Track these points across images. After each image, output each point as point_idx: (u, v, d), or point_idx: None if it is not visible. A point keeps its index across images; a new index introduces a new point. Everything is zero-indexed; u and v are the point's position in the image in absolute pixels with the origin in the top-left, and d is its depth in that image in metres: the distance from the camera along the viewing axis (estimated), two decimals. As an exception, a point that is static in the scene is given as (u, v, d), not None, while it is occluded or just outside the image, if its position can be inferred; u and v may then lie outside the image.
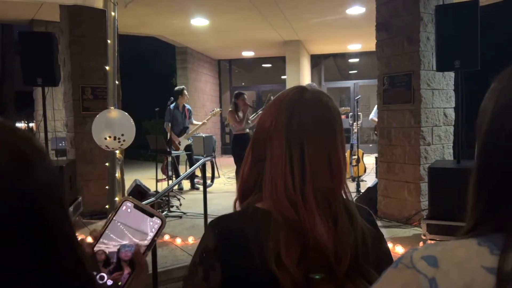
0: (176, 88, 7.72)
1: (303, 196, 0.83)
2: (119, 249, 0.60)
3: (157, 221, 0.62)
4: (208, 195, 4.38)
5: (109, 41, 2.47)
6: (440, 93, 4.97)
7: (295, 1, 7.10)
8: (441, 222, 4.04)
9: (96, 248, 0.60)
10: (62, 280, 0.49)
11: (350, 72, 14.19)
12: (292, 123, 0.88)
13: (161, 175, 7.24)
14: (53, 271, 0.48)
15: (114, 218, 0.62)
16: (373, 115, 7.37)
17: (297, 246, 0.80)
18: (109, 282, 0.59)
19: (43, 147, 0.53)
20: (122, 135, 2.31)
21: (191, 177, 7.51)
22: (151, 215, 0.62)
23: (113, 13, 2.47)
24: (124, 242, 0.60)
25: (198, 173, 7.61)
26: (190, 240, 4.52)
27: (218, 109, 8.16)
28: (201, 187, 7.11)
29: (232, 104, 6.34)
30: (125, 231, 0.61)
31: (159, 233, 0.62)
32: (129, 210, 0.62)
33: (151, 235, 0.61)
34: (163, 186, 6.28)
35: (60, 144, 7.01)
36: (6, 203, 0.45)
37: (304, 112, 0.89)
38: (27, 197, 0.47)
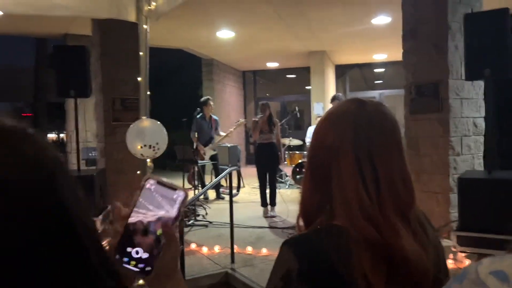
0: (202, 98, 7.85)
1: (382, 211, 0.79)
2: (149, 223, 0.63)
3: (180, 193, 0.65)
4: (233, 205, 4.42)
5: (141, 53, 2.55)
6: (469, 103, 4.88)
7: (320, 11, 7.13)
8: (472, 234, 3.95)
9: (130, 220, 0.63)
10: (90, 279, 0.51)
11: (376, 82, 14.07)
12: (360, 138, 0.84)
13: (187, 185, 7.33)
14: (82, 274, 0.50)
15: (140, 197, 0.65)
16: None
17: (383, 266, 0.77)
18: (145, 255, 0.62)
19: (60, 155, 0.54)
20: (157, 143, 2.38)
21: (217, 186, 7.57)
22: (174, 189, 0.66)
23: (145, 26, 2.56)
24: (153, 216, 0.63)
25: (223, 182, 7.68)
26: (216, 249, 4.55)
27: (243, 120, 8.24)
28: (226, 197, 7.17)
29: (257, 114, 6.41)
30: (152, 206, 0.64)
31: (183, 203, 0.65)
32: (153, 187, 0.65)
33: (176, 206, 0.65)
34: (189, 195, 6.35)
35: (90, 154, 7.20)
36: (29, 213, 0.46)
37: (370, 126, 0.86)
38: (50, 206, 0.49)
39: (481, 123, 4.98)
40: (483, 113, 4.96)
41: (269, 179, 6.34)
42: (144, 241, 0.63)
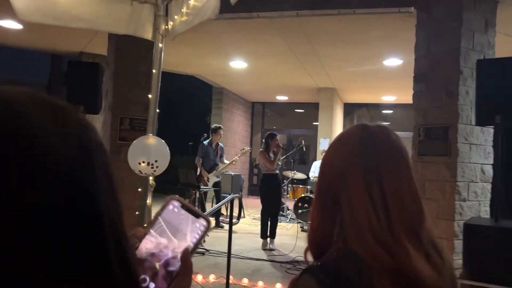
0: (214, 125, 7.88)
1: (393, 234, 0.79)
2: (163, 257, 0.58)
3: (203, 223, 0.61)
4: (232, 234, 4.32)
5: (154, 71, 2.57)
6: (478, 148, 4.84)
7: (333, 49, 7.24)
8: (476, 283, 3.81)
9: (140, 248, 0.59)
10: (110, 281, 0.47)
11: (384, 123, 14.10)
12: (367, 158, 0.84)
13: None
14: (101, 271, 0.46)
15: (160, 216, 0.60)
16: None
17: None
18: (152, 286, 0.57)
19: (101, 141, 0.53)
20: (156, 161, 2.34)
21: (217, 214, 7.48)
22: (197, 216, 0.61)
23: (160, 45, 2.58)
24: (168, 247, 0.58)
25: (224, 211, 7.59)
26: (212, 278, 4.43)
27: (248, 148, 8.22)
28: (225, 226, 7.06)
29: (264, 144, 6.37)
30: (171, 230, 0.60)
31: (204, 234, 0.61)
32: (176, 209, 0.61)
33: (196, 236, 0.60)
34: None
35: (93, 171, 7.18)
36: (65, 186, 0.44)
37: (376, 145, 0.86)
38: (87, 183, 0.46)
39: (489, 170, 4.92)
40: (491, 160, 4.91)
41: (273, 211, 6.25)
42: (152, 270, 0.58)
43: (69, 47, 8.10)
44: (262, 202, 6.28)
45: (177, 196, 0.63)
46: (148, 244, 0.59)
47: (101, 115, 6.09)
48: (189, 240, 0.60)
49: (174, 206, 0.61)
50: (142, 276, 0.57)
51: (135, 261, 0.54)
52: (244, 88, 11.78)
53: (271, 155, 6.26)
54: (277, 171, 6.43)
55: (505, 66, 4.06)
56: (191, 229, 0.60)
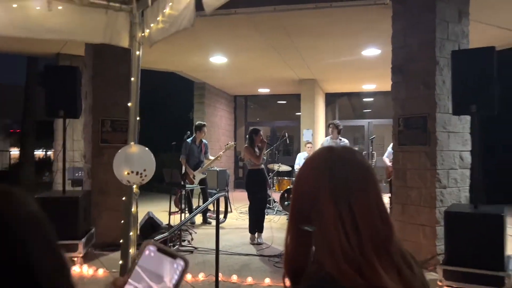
0: (198, 123, 7.84)
1: (363, 254, 0.81)
2: None
3: (180, 263, 0.62)
4: (220, 231, 4.36)
5: (132, 79, 2.56)
6: (456, 136, 4.95)
7: (312, 42, 7.27)
8: (458, 268, 3.94)
9: None
10: None
11: (365, 111, 14.26)
12: (335, 182, 0.86)
13: (174, 208, 7.25)
14: None
15: (138, 263, 0.62)
16: (386, 155, 7.34)
17: None
18: None
19: (36, 212, 0.55)
20: (144, 170, 2.35)
21: (204, 211, 7.50)
22: (174, 257, 0.63)
23: (137, 52, 2.57)
24: None
25: (211, 207, 7.61)
26: (201, 276, 4.47)
27: (232, 143, 8.24)
28: (213, 222, 7.09)
29: (248, 139, 6.39)
30: (149, 276, 0.61)
31: (184, 274, 0.62)
32: (152, 254, 0.62)
33: (175, 277, 0.61)
34: (175, 219, 6.27)
35: (77, 174, 7.12)
36: None
37: (344, 170, 0.88)
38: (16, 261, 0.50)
39: (468, 157, 5.05)
40: (469, 147, 5.04)
41: (260, 205, 6.30)
42: None
43: (46, 49, 7.96)
44: (249, 197, 6.32)
45: (152, 240, 0.65)
46: None
47: (82, 117, 6.03)
48: (169, 283, 0.61)
49: (150, 251, 0.63)
50: None
51: None
52: (225, 83, 11.75)
53: (256, 150, 6.30)
54: (263, 166, 6.47)
55: (478, 56, 4.15)
56: (169, 272, 0.61)
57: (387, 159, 7.25)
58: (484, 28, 6.16)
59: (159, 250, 0.63)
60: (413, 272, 0.86)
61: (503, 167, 8.98)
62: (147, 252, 0.63)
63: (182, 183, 6.56)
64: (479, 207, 4.16)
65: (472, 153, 4.92)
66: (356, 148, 8.39)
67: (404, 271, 0.84)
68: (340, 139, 7.63)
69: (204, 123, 7.95)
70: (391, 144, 7.33)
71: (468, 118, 5.01)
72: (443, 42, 4.85)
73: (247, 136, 6.55)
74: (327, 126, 7.58)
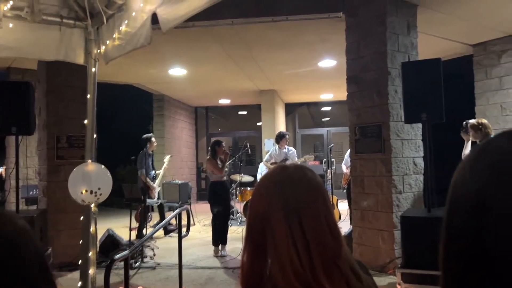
0: (145, 136, 7.55)
1: (313, 271, 0.85)
2: None
3: None
4: (183, 244, 4.32)
5: (88, 96, 2.52)
6: (409, 143, 5.18)
7: (270, 54, 7.39)
8: (415, 271, 4.09)
9: None
10: None
11: (323, 119, 14.59)
12: (286, 200, 0.90)
13: (134, 223, 7.10)
14: None
15: None
16: (344, 162, 7.54)
17: None
18: None
19: (27, 227, 0.57)
20: (99, 188, 2.31)
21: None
22: None
23: (93, 69, 2.54)
24: None
25: (173, 221, 7.51)
26: (164, 292, 4.40)
27: (169, 156, 8.25)
28: (175, 235, 7.01)
29: (211, 151, 6.38)
30: None
31: None
32: None
33: None
34: (135, 235, 6.16)
35: (31, 192, 6.84)
36: None
37: (294, 187, 0.92)
38: (17, 277, 0.50)
39: (421, 162, 5.28)
40: (421, 153, 5.27)
41: (223, 217, 6.29)
42: None
43: (-5, 62, 7.64)
44: (212, 209, 6.30)
45: None
46: None
47: (36, 134, 5.82)
48: None
49: None
50: None
51: None
52: (185, 94, 11.69)
53: (219, 162, 6.30)
54: (225, 178, 6.48)
55: (426, 67, 4.39)
56: None
57: (344, 166, 7.45)
58: (431, 40, 6.50)
59: None
60: (360, 282, 0.91)
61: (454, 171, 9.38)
62: None
63: (142, 198, 6.46)
64: (432, 211, 4.35)
65: (425, 158, 5.16)
66: (313, 157, 8.59)
67: (353, 281, 0.89)
68: (288, 148, 7.78)
69: (152, 134, 7.91)
70: (348, 151, 7.58)
71: (420, 125, 5.25)
72: (394, 53, 5.08)
73: (209, 148, 6.54)
74: (276, 139, 7.70)
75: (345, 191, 7.70)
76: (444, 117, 4.28)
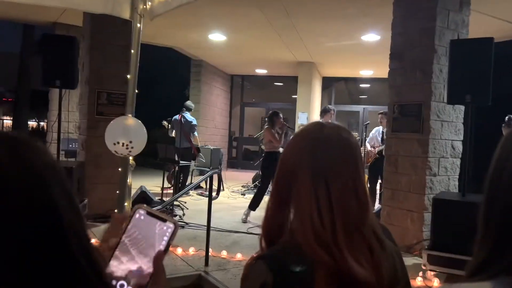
0: (192, 104, 8.04)
1: (334, 233, 0.84)
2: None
3: (170, 225, 0.64)
4: (211, 208, 4.42)
5: (132, 51, 2.56)
6: (449, 125, 5.01)
7: (312, 24, 7.23)
8: (442, 253, 4.05)
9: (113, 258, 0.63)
10: (82, 280, 0.53)
11: (360, 97, 14.28)
12: (316, 160, 0.89)
13: (167, 184, 7.30)
14: (72, 272, 0.52)
15: (129, 226, 0.64)
16: (368, 140, 7.41)
17: (335, 284, 0.82)
18: None
19: (55, 162, 0.57)
20: (131, 142, 2.37)
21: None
22: (164, 220, 0.64)
23: (138, 25, 2.57)
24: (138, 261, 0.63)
25: (203, 185, 7.68)
26: (191, 250, 4.55)
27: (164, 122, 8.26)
28: (204, 198, 7.17)
29: (269, 121, 6.45)
30: (140, 238, 0.63)
31: (173, 236, 0.64)
32: (142, 217, 0.64)
33: (165, 239, 0.63)
34: (168, 195, 6.34)
35: (71, 146, 7.12)
36: (21, 210, 0.50)
37: (326, 148, 0.90)
38: (42, 207, 0.52)
39: (459, 146, 5.12)
40: (461, 137, 5.10)
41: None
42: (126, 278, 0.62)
43: (42, 17, 7.84)
44: (262, 178, 6.44)
45: (144, 205, 0.66)
46: (122, 256, 0.63)
47: (78, 89, 6.00)
48: (158, 244, 0.63)
49: (140, 214, 0.64)
50: (120, 282, 0.61)
51: (101, 262, 0.59)
52: (223, 61, 11.68)
53: (278, 132, 6.38)
54: (281, 149, 6.50)
55: (477, 47, 4.18)
56: (159, 234, 0.63)
57: (368, 144, 7.33)
58: (483, 19, 6.17)
59: (149, 214, 0.64)
60: (383, 248, 0.89)
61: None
62: (137, 215, 0.64)
63: (176, 159, 6.61)
64: (466, 196, 4.25)
65: (464, 143, 5.00)
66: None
67: (375, 248, 0.87)
68: None
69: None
70: (374, 129, 7.43)
71: (462, 108, 5.07)
72: (443, 30, 4.86)
73: (267, 118, 6.62)
74: (321, 113, 7.58)
75: (365, 169, 7.60)
76: (490, 100, 4.10)
